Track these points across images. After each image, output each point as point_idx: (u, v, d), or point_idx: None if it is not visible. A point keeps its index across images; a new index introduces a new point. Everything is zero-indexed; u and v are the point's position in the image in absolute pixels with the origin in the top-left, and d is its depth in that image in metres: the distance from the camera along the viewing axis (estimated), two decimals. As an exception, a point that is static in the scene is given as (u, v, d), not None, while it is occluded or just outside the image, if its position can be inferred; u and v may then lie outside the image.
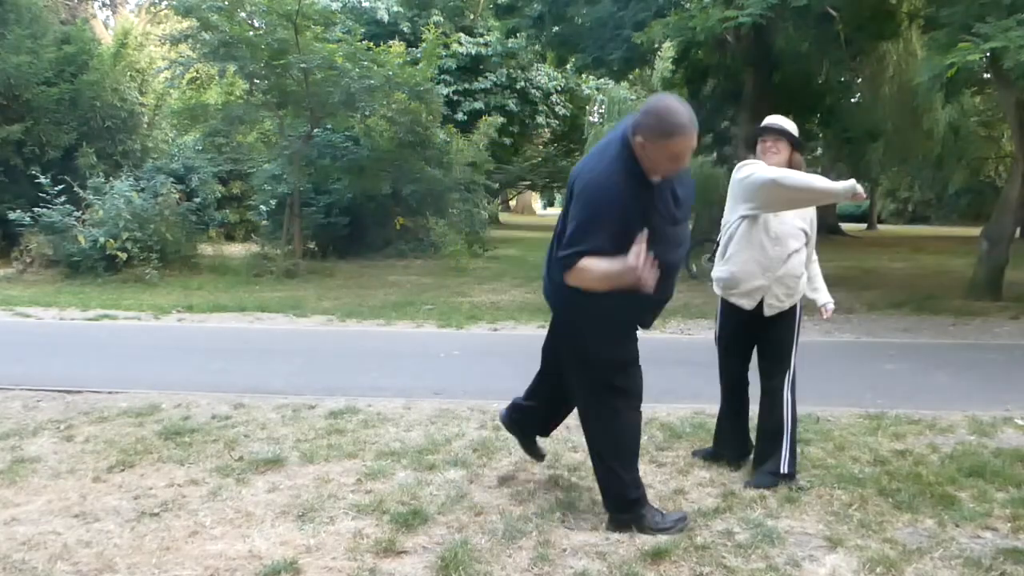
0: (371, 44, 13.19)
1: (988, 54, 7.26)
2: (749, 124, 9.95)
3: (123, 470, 3.40)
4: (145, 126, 16.25)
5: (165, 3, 14.43)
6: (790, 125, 3.40)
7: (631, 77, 21.02)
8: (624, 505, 2.82)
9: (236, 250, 15.23)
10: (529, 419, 3.30)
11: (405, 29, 21.32)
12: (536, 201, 52.54)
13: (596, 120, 28.33)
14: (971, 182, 30.32)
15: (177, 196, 12.54)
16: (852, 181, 3.00)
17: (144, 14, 24.76)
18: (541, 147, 30.97)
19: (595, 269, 2.49)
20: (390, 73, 12.70)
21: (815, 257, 3.52)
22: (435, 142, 15.40)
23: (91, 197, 11.65)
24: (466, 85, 22.36)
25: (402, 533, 2.75)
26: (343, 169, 14.61)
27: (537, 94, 24.38)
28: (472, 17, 24.66)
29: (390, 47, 13.98)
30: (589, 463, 3.48)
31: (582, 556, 2.59)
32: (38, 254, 11.67)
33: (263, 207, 15.63)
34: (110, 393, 4.79)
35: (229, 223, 18.77)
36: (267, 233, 15.43)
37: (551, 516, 2.90)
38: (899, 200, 39.71)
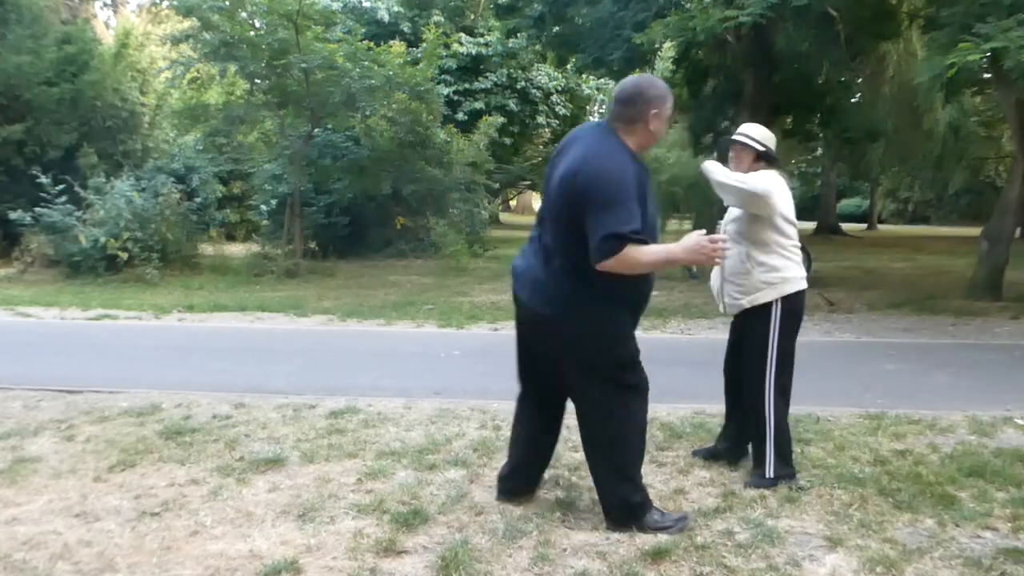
0: (372, 44, 13.20)
1: (988, 54, 7.26)
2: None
3: (124, 470, 3.40)
4: (146, 126, 16.26)
5: (166, 3, 14.45)
6: (757, 134, 3.38)
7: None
8: (630, 509, 2.79)
9: (237, 250, 15.23)
10: (526, 474, 3.12)
11: (405, 29, 21.32)
12: (537, 201, 52.56)
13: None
14: (971, 182, 30.31)
15: (178, 196, 12.55)
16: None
17: (145, 14, 24.77)
18: (541, 147, 30.93)
19: (647, 252, 2.56)
20: (391, 73, 12.71)
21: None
22: (435, 142, 15.41)
23: (92, 197, 11.65)
24: (466, 85, 22.35)
25: (402, 533, 2.75)
26: (344, 169, 14.62)
27: (537, 94, 24.37)
28: (472, 17, 24.66)
29: (391, 47, 13.98)
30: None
31: (582, 556, 2.59)
32: (39, 254, 11.68)
33: (264, 207, 15.64)
34: (111, 393, 4.79)
35: (230, 223, 18.78)
36: (268, 233, 15.45)
37: (551, 516, 2.90)
38: (899, 200, 39.68)
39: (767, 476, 3.23)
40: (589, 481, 3.27)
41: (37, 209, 11.40)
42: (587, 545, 2.67)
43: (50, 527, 2.80)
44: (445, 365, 6.07)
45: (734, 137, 3.43)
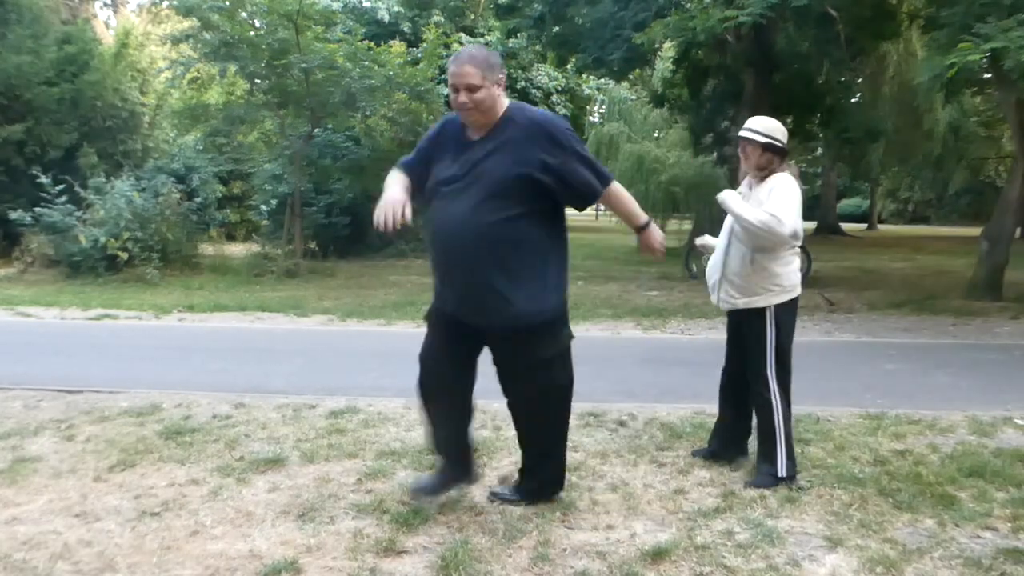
0: (372, 44, 13.19)
1: (988, 54, 7.26)
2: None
3: (124, 470, 3.40)
4: (146, 126, 16.27)
5: (166, 3, 14.43)
6: (761, 126, 3.29)
7: (631, 77, 21.05)
8: (560, 480, 3.03)
9: (237, 250, 15.24)
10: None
11: (406, 29, 21.30)
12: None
13: (597, 120, 28.35)
14: (971, 182, 30.35)
15: (178, 196, 12.55)
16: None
17: (145, 14, 24.77)
18: (541, 147, 30.98)
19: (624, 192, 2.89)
20: (391, 73, 12.70)
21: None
22: (436, 142, 15.38)
23: (92, 197, 11.66)
24: (467, 85, 22.32)
25: (402, 533, 2.75)
26: (344, 169, 14.61)
27: (538, 94, 24.35)
28: (473, 17, 24.65)
29: (391, 47, 13.98)
30: (589, 462, 3.50)
31: (582, 556, 2.59)
32: (39, 254, 11.68)
33: (264, 207, 15.64)
34: (111, 393, 4.79)
35: (230, 223, 18.79)
36: (268, 233, 15.44)
37: (551, 516, 2.90)
38: (899, 200, 39.73)
39: (779, 474, 3.22)
40: (589, 481, 3.29)
41: (37, 209, 11.41)
42: (587, 545, 2.67)
43: (50, 527, 2.80)
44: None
45: (739, 133, 3.36)
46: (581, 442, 3.80)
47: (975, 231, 12.73)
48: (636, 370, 5.75)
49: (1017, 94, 8.85)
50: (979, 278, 10.01)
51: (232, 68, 12.87)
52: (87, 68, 14.21)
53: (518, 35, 15.84)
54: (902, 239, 25.17)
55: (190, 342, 7.00)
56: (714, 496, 3.14)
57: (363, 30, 15.04)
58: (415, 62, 14.41)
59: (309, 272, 12.44)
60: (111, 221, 11.22)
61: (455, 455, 3.02)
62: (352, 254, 15.28)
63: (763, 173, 3.28)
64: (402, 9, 21.95)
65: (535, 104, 24.69)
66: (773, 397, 3.27)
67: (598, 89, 26.54)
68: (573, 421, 4.18)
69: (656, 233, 2.94)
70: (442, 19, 21.84)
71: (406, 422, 4.17)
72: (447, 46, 18.70)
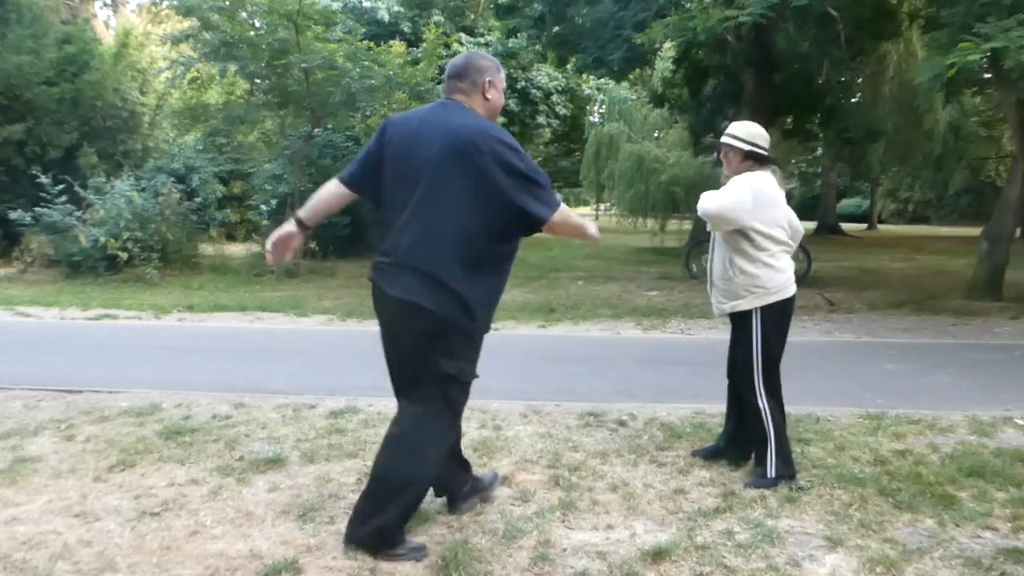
0: (372, 44, 13.18)
1: (988, 54, 7.26)
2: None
3: (124, 470, 3.40)
4: (146, 126, 16.26)
5: (166, 3, 14.43)
6: (742, 132, 3.29)
7: (631, 77, 21.06)
8: (395, 536, 2.57)
9: (237, 250, 15.22)
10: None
11: (406, 29, 21.31)
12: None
13: (597, 120, 28.34)
14: (971, 182, 30.36)
15: (178, 196, 12.55)
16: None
17: (145, 14, 24.76)
18: (542, 147, 30.97)
19: (573, 215, 2.69)
20: (391, 73, 12.69)
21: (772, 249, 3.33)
22: (436, 142, 15.38)
23: (92, 197, 11.65)
24: (466, 85, 22.32)
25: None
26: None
27: (538, 94, 24.36)
28: (473, 17, 24.66)
29: (391, 47, 13.97)
30: (589, 462, 3.50)
31: (582, 556, 2.59)
32: (39, 254, 11.68)
33: (264, 207, 15.62)
34: (111, 393, 4.79)
35: (230, 223, 18.76)
36: (268, 233, 15.38)
37: (551, 516, 2.90)
38: (899, 200, 39.75)
39: (768, 476, 3.23)
40: (589, 481, 3.28)
41: (37, 209, 11.41)
42: (587, 545, 2.67)
43: (50, 527, 2.80)
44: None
45: (721, 139, 3.37)
46: (581, 442, 3.80)
47: (975, 231, 12.73)
48: (636, 370, 5.74)
49: (1017, 94, 8.85)
50: (979, 278, 10.01)
51: (232, 68, 12.87)
52: (87, 68, 14.21)
53: (518, 35, 15.84)
54: (902, 239, 25.17)
55: (190, 342, 7.00)
56: (714, 496, 3.14)
57: (363, 30, 15.03)
58: (415, 62, 14.40)
59: (309, 272, 12.44)
60: (111, 221, 11.22)
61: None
62: (352, 254, 15.28)
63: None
64: (402, 9, 21.96)
65: (535, 104, 24.85)
66: (760, 401, 3.27)
67: (598, 89, 26.54)
68: (574, 420, 4.19)
69: None
70: (442, 19, 21.85)
71: (406, 422, 4.17)
72: (447, 46, 18.72)
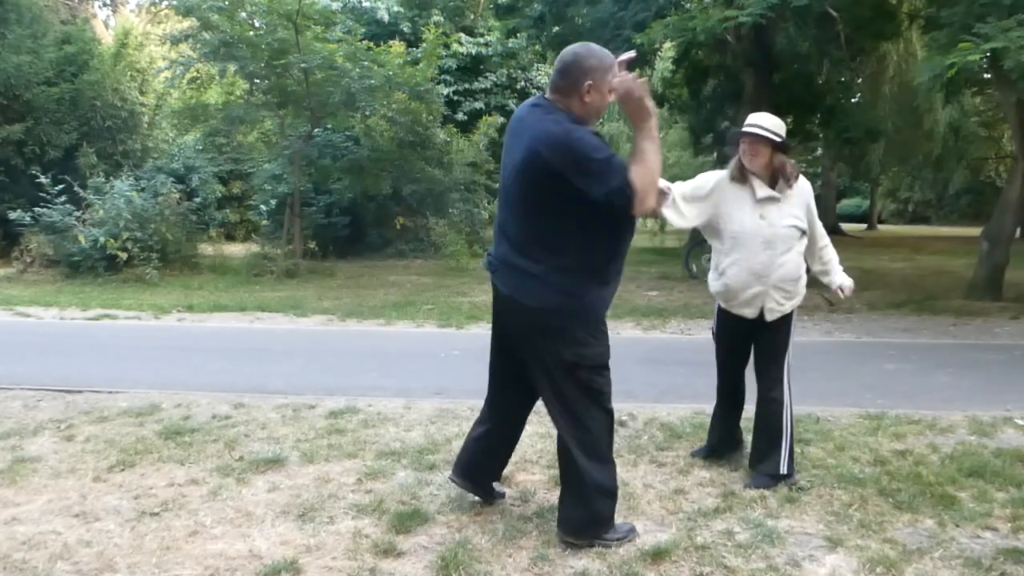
0: (371, 44, 13.19)
1: (988, 54, 7.26)
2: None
3: (123, 470, 3.40)
4: (145, 126, 16.27)
5: (166, 3, 14.42)
6: (771, 124, 3.20)
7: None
8: (607, 521, 2.67)
9: (236, 250, 15.24)
10: (486, 466, 3.00)
11: (405, 29, 21.27)
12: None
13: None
14: (971, 182, 30.36)
15: (178, 196, 12.55)
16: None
17: (144, 14, 24.75)
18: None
19: (647, 158, 2.45)
20: (390, 73, 12.70)
21: (825, 242, 3.47)
22: (435, 142, 15.40)
23: (91, 197, 11.66)
24: (466, 85, 22.29)
25: (402, 533, 2.75)
26: (343, 169, 14.62)
27: (537, 94, 24.38)
28: (472, 17, 24.62)
29: (390, 47, 13.98)
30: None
31: (582, 556, 2.59)
32: (38, 254, 11.69)
33: (263, 207, 15.65)
34: (110, 393, 4.79)
35: (229, 223, 18.80)
36: (267, 233, 15.45)
37: (551, 516, 2.90)
38: (899, 200, 39.76)
39: (781, 472, 3.21)
40: (589, 481, 3.28)
41: (37, 209, 11.41)
42: (587, 545, 2.67)
43: (50, 527, 2.79)
44: (445, 365, 6.07)
45: (746, 129, 3.19)
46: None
47: (975, 231, 12.73)
48: (636, 370, 5.74)
49: (1017, 94, 8.85)
50: (979, 278, 10.00)
51: (232, 68, 12.87)
52: (86, 68, 14.21)
53: (518, 35, 15.82)
54: (902, 239, 25.17)
55: (189, 342, 7.00)
56: (714, 496, 3.14)
57: (363, 30, 15.03)
58: (415, 62, 14.41)
59: (309, 272, 12.44)
60: (110, 221, 11.22)
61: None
62: (352, 254, 15.29)
63: (773, 174, 3.21)
64: (402, 9, 21.93)
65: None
66: (786, 400, 3.26)
67: (598, 89, 26.49)
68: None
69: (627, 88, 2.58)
70: (442, 19, 21.80)
71: (406, 422, 4.17)
72: (447, 46, 18.72)
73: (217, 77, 15.66)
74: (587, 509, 2.63)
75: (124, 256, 11.07)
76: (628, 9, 11.15)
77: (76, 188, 11.68)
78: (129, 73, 15.57)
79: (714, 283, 3.36)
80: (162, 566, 2.51)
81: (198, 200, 13.66)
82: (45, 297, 9.48)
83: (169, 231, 11.90)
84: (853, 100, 16.74)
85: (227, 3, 11.71)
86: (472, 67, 22.68)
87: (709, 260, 3.51)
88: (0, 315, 8.26)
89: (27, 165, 12.98)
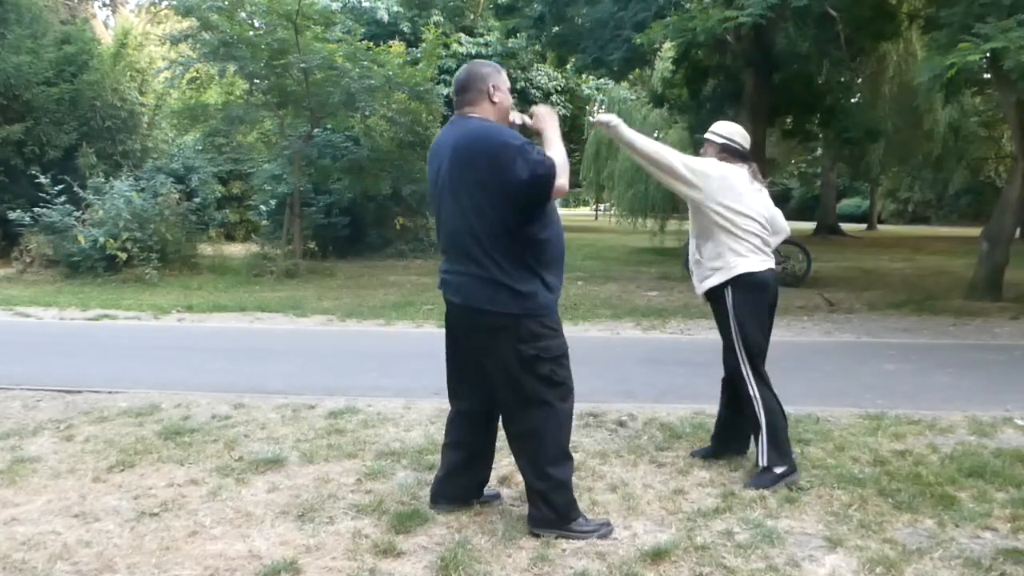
0: (371, 44, 13.20)
1: (988, 54, 7.26)
2: (749, 124, 9.96)
3: (123, 470, 3.40)
4: (145, 126, 16.27)
5: (165, 3, 14.44)
6: (723, 130, 3.48)
7: (631, 77, 21.03)
8: (570, 512, 2.74)
9: (236, 250, 15.23)
10: (467, 483, 2.99)
11: (405, 29, 21.31)
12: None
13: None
14: (971, 182, 30.36)
15: (177, 196, 12.55)
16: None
17: (144, 14, 24.76)
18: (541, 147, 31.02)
19: (561, 152, 2.69)
20: (390, 73, 12.70)
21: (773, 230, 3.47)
22: (435, 142, 15.38)
23: (91, 197, 11.66)
24: (466, 85, 22.33)
25: (402, 533, 2.75)
26: (343, 169, 14.62)
27: (537, 94, 24.36)
28: (472, 17, 24.65)
29: (390, 47, 13.99)
30: (588, 462, 3.50)
31: (582, 556, 2.59)
32: (38, 254, 11.68)
33: (263, 207, 15.64)
34: (110, 393, 4.79)
35: (229, 223, 18.79)
36: (267, 233, 15.45)
37: (551, 516, 2.90)
38: (899, 200, 39.74)
39: (760, 464, 3.23)
40: (588, 481, 3.28)
41: (36, 209, 11.41)
42: (587, 545, 2.67)
43: (49, 527, 2.79)
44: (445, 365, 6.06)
45: (704, 135, 3.54)
46: (581, 442, 3.79)
47: (975, 231, 12.73)
48: (636, 370, 5.74)
49: (1017, 94, 8.85)
50: (979, 278, 10.00)
51: (231, 68, 12.87)
52: (86, 68, 14.21)
53: (518, 35, 15.83)
54: (902, 239, 25.17)
55: (189, 342, 7.00)
56: (714, 496, 3.14)
57: (362, 30, 15.06)
58: (414, 62, 14.42)
59: (308, 272, 12.44)
60: (110, 221, 11.22)
61: None
62: (352, 254, 15.29)
63: None
64: (401, 9, 21.96)
65: (535, 104, 24.91)
66: (751, 388, 3.28)
67: (598, 89, 26.55)
68: (573, 421, 4.18)
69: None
70: (441, 19, 21.84)
71: (405, 422, 4.17)
72: (446, 46, 18.72)
73: (217, 77, 15.67)
74: (548, 504, 2.72)
75: (124, 256, 11.07)
76: (628, 9, 11.15)
77: (76, 188, 11.67)
78: (129, 73, 15.58)
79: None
80: (162, 566, 2.51)
81: (198, 200, 13.66)
82: (45, 297, 9.48)
83: (169, 231, 11.90)
84: (853, 100, 16.72)
85: (227, 3, 11.71)
86: (472, 67, 22.65)
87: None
88: (0, 315, 8.26)
89: (27, 165, 12.98)
